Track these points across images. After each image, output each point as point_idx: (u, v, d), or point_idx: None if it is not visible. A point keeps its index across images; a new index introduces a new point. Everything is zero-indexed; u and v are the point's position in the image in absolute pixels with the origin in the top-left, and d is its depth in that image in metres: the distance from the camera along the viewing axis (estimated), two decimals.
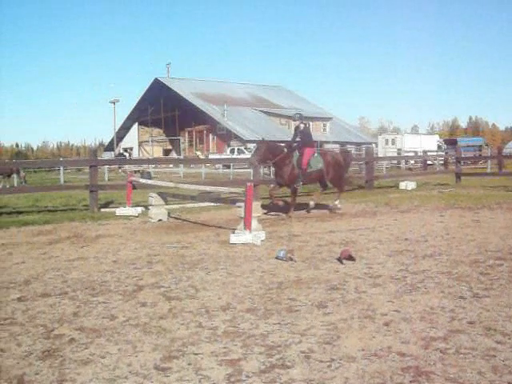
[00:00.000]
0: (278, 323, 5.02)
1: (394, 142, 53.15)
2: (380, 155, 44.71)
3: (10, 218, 13.44)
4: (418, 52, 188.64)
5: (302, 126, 13.37)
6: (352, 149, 57.08)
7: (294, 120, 13.53)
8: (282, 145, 13.93)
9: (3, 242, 9.95)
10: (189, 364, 4.12)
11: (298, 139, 13.45)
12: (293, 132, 14.06)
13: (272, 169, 16.99)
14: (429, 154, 36.22)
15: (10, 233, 11.14)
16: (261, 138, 14.51)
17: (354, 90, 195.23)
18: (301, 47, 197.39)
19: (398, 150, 49.06)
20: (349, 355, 4.21)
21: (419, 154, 38.09)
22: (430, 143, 50.71)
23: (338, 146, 61.61)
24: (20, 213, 14.42)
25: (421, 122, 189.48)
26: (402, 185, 21.28)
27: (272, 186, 14.40)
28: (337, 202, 13.95)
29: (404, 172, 35.53)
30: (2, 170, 29.02)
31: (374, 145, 50.70)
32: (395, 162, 41.93)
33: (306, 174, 13.26)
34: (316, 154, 13.63)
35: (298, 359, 4.17)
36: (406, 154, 43.58)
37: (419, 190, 20.59)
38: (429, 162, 36.98)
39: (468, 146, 49.53)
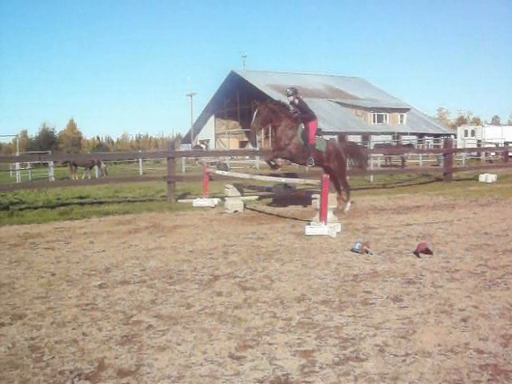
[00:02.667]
0: (353, 315, 5.00)
1: (473, 134, 51.73)
2: (459, 147, 43.66)
3: (91, 208, 13.87)
4: (500, 40, 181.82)
5: (296, 100, 12.45)
6: (430, 140, 55.99)
7: (288, 95, 12.48)
8: (290, 112, 12.44)
9: (85, 230, 10.29)
10: (263, 353, 4.16)
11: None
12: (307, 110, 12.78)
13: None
14: (510, 145, 34.95)
15: (92, 222, 11.50)
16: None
17: (433, 80, 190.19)
18: (378, 37, 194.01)
19: (478, 141, 47.73)
20: (424, 350, 4.15)
21: (500, 145, 36.90)
22: None
23: (415, 137, 60.49)
24: (101, 203, 14.85)
25: (502, 113, 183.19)
26: (482, 177, 20.70)
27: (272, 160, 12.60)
28: (348, 204, 12.49)
29: (484, 164, 34.47)
30: (85, 162, 29.96)
31: (452, 136, 49.51)
32: (475, 153, 40.74)
33: (314, 149, 12.25)
34: (320, 136, 12.93)
35: (373, 352, 4.14)
36: (487, 146, 42.35)
37: (500, 182, 19.99)
38: (510, 154, 35.75)
39: None
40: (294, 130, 12.14)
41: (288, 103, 12.50)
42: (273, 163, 12.53)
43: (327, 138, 15.71)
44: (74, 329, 4.80)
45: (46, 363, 4.07)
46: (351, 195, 12.87)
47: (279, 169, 13.32)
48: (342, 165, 12.88)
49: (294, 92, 12.43)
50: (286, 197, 13.93)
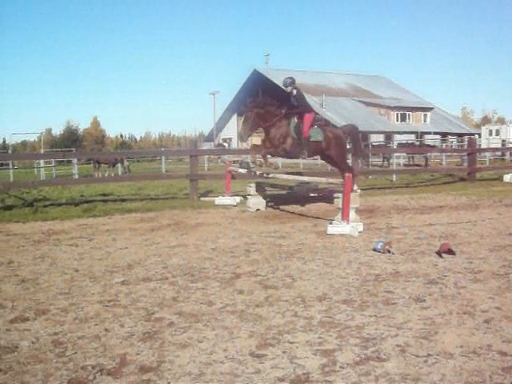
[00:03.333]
0: (374, 315, 4.98)
1: (498, 133, 51.17)
2: (483, 146, 43.22)
3: (114, 205, 13.97)
4: None
5: (294, 91, 12.05)
6: (453, 139, 55.49)
7: (286, 86, 12.04)
8: (278, 110, 12.03)
9: (108, 228, 10.38)
10: (284, 352, 4.16)
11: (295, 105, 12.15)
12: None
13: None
14: None
15: (115, 219, 11.59)
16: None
17: (457, 78, 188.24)
18: (402, 36, 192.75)
19: (503, 141, 47.22)
20: (446, 351, 4.12)
21: None
22: None
23: (438, 136, 59.97)
24: (124, 200, 14.95)
25: None
26: (507, 177, 20.45)
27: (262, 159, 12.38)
28: (355, 187, 11.96)
29: (508, 164, 34.06)
30: (108, 160, 30.17)
31: (476, 136, 48.96)
32: (499, 153, 40.30)
33: (308, 143, 11.96)
34: (315, 126, 12.34)
35: (394, 353, 4.12)
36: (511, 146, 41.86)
37: None
38: None
39: None
40: (286, 127, 11.87)
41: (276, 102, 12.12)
42: (257, 164, 12.50)
43: None
44: (96, 325, 4.85)
45: (68, 358, 4.11)
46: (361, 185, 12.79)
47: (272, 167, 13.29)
48: (342, 151, 12.73)
49: (292, 82, 12.05)
50: (305, 195, 13.86)
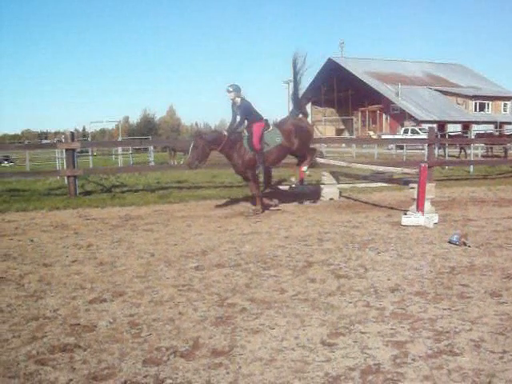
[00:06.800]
0: (448, 309, 4.89)
1: None
2: None
3: (189, 192, 14.22)
4: None
5: (238, 100, 10.82)
6: None
7: (228, 92, 10.79)
8: (223, 132, 10.94)
9: (183, 214, 10.57)
10: (355, 342, 4.14)
11: (238, 118, 10.97)
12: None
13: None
14: None
15: (190, 206, 11.79)
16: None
17: None
18: (481, 22, 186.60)
19: None
20: None
21: None
22: None
23: None
24: (198, 188, 15.19)
25: None
26: None
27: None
28: (304, 169, 11.72)
29: None
30: (183, 148, 30.52)
31: None
32: None
33: (263, 155, 10.78)
34: (271, 128, 11.05)
35: (468, 347, 4.03)
36: None
37: None
38: None
39: None
40: (241, 142, 10.81)
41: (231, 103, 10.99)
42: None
43: (426, 126, 14.92)
44: (170, 308, 4.96)
45: (143, 339, 4.23)
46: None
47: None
48: (306, 137, 11.59)
49: (236, 89, 10.83)
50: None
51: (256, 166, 10.79)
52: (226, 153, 10.86)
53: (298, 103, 12.01)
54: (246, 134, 10.79)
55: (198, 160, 10.60)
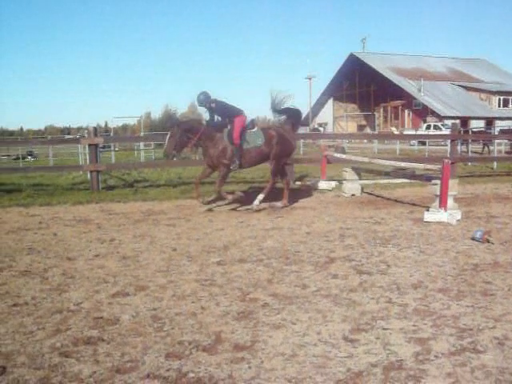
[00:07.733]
0: (471, 306, 4.85)
1: None
2: None
3: (210, 187, 14.10)
4: None
5: (213, 105, 10.67)
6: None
7: (200, 104, 10.78)
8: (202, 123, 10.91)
9: (205, 209, 10.58)
10: (377, 338, 4.13)
11: (217, 119, 10.93)
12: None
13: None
14: None
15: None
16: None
17: None
18: (506, 16, 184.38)
19: None
20: None
21: None
22: None
23: None
24: None
25: None
26: None
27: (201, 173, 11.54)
28: (257, 201, 10.70)
29: None
30: None
31: None
32: None
33: (242, 151, 10.56)
34: (255, 128, 10.88)
35: (491, 345, 4.00)
36: None
37: None
38: None
39: None
40: (220, 140, 10.60)
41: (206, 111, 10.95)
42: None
43: (448, 122, 14.78)
44: (193, 302, 4.98)
45: (166, 333, 4.25)
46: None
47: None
48: (287, 149, 11.05)
49: (206, 97, 10.65)
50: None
51: (232, 162, 10.57)
52: (203, 143, 10.66)
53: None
54: (229, 127, 10.61)
55: (176, 149, 10.48)
